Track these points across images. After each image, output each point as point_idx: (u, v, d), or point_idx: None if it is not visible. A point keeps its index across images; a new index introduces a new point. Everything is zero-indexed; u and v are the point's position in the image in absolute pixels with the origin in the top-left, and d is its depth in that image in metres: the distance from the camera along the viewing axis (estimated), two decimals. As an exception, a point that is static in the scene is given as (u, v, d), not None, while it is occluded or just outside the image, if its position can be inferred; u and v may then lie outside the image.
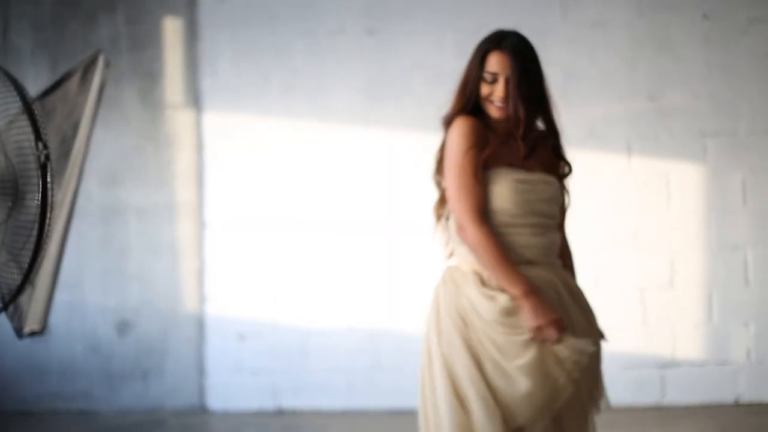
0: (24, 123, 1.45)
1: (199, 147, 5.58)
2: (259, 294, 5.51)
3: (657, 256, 5.22)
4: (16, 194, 1.48)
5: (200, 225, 5.57)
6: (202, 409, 5.54)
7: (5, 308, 1.57)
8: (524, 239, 2.59)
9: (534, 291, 2.52)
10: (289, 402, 5.48)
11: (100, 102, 3.48)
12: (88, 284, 5.61)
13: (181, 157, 5.60)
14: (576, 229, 5.22)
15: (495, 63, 2.62)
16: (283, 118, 5.51)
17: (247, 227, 5.53)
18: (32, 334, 3.36)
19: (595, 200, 5.26)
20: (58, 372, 5.66)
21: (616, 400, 5.22)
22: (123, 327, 5.62)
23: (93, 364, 5.64)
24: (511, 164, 2.60)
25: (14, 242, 1.51)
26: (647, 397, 5.20)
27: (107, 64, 3.48)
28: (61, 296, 5.16)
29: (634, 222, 5.25)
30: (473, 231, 2.56)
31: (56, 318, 5.30)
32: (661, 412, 5.09)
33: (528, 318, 2.50)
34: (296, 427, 5.14)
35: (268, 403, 5.48)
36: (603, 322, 5.40)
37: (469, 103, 2.65)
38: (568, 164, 2.73)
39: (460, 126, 2.62)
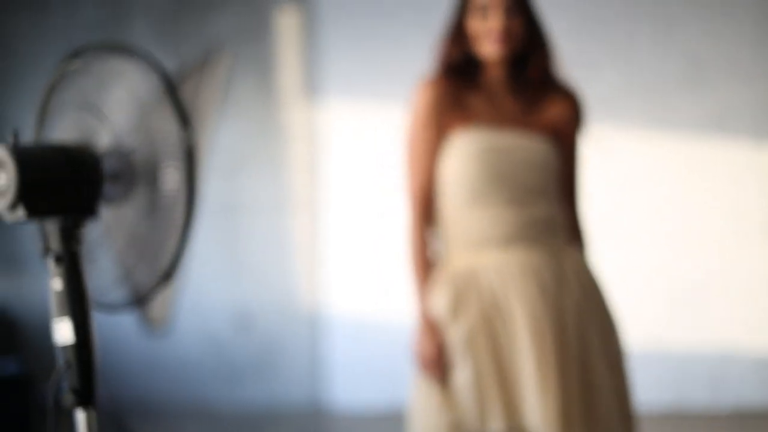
0: (163, 106, 1.38)
1: (316, 140, 5.55)
2: (378, 288, 5.44)
3: (789, 249, 5.00)
4: (156, 185, 1.42)
5: (316, 219, 5.54)
6: (320, 407, 5.50)
7: (137, 304, 1.51)
8: (493, 215, 2.30)
9: (428, 317, 2.37)
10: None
11: (222, 101, 3.44)
12: (205, 281, 5.62)
13: (298, 150, 5.58)
14: (699, 222, 5.04)
15: None
16: (401, 110, 5.44)
17: (364, 220, 5.47)
18: (159, 329, 3.35)
19: (721, 190, 5.07)
20: (176, 370, 5.69)
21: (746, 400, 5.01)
22: (240, 324, 5.62)
23: (210, 362, 5.66)
24: (488, 123, 2.33)
25: (152, 237, 1.44)
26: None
27: (228, 61, 3.44)
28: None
29: (763, 214, 5.04)
30: (407, 219, 2.40)
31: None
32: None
33: (414, 340, 2.39)
34: (414, 426, 5.06)
35: (388, 401, 5.40)
36: (735, 319, 5.19)
37: (450, 58, 2.40)
38: (579, 122, 2.41)
39: (419, 95, 2.43)
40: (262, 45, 5.60)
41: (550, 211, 2.33)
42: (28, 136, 1.54)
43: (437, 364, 2.36)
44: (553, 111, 2.39)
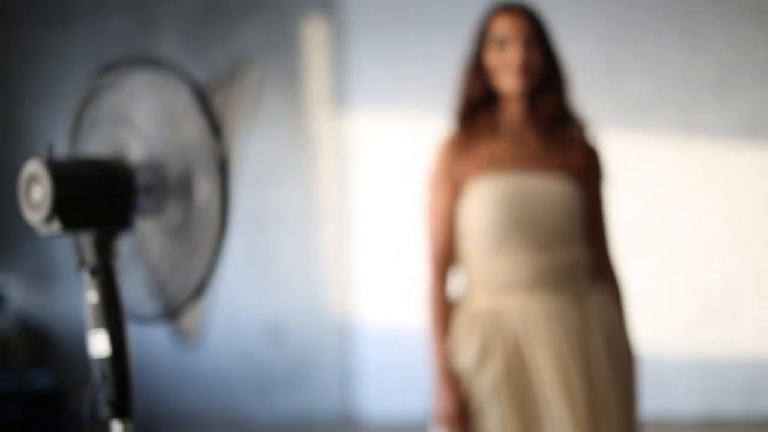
0: (195, 117, 1.38)
1: (344, 150, 5.55)
2: (408, 297, 5.43)
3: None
4: (189, 197, 1.42)
5: (345, 228, 5.54)
6: (351, 417, 5.49)
7: (169, 317, 1.50)
8: (516, 261, 2.27)
9: (447, 372, 2.27)
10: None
11: (252, 112, 3.44)
12: (235, 292, 5.63)
13: (326, 160, 5.58)
14: (732, 228, 5.00)
15: (503, 26, 2.32)
16: (428, 120, 5.44)
17: (392, 229, 5.47)
18: (190, 341, 3.35)
19: (752, 195, 5.02)
20: (207, 381, 5.70)
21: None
22: (271, 335, 5.62)
23: (241, 373, 5.66)
24: (510, 165, 2.29)
25: (185, 249, 1.44)
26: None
27: (257, 72, 3.44)
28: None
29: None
30: (427, 279, 2.34)
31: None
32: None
33: (434, 400, 2.29)
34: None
35: (419, 411, 5.39)
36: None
37: (470, 92, 2.35)
38: (599, 164, 2.36)
39: (435, 154, 2.39)
40: (290, 56, 5.61)
41: (573, 254, 2.29)
42: (61, 151, 1.55)
43: (459, 421, 2.27)
44: (574, 149, 2.35)
